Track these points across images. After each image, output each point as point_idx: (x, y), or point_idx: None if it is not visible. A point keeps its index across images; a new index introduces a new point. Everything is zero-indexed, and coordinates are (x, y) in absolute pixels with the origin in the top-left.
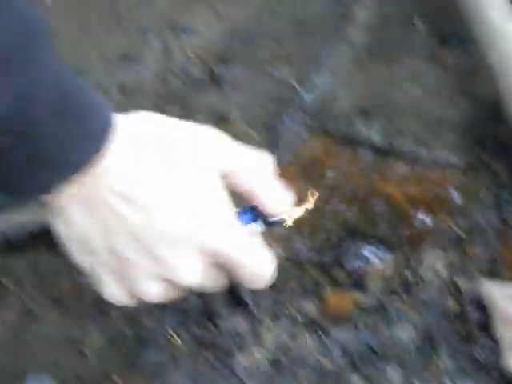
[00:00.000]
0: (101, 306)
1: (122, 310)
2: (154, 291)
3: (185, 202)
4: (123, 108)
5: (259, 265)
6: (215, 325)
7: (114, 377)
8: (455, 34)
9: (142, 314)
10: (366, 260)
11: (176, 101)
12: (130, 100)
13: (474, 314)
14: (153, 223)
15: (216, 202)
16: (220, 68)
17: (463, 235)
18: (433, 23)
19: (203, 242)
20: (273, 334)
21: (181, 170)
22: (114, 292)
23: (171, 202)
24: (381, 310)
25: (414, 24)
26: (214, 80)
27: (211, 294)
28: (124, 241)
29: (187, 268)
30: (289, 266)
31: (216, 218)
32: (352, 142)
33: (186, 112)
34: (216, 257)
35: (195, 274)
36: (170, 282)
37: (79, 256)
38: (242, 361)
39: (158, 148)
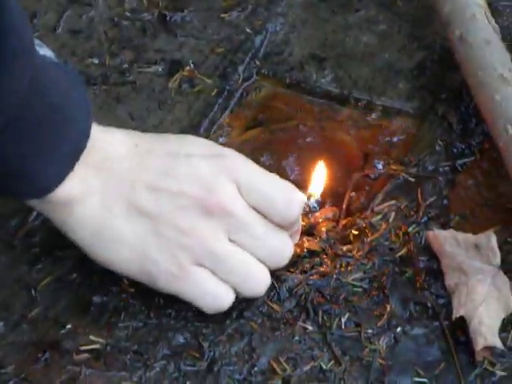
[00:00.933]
0: (52, 249)
1: (74, 253)
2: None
3: None
4: (74, 53)
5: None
6: None
7: (63, 320)
8: None
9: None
10: (316, 205)
11: (128, 46)
12: (82, 45)
13: (422, 260)
14: None
15: None
16: (172, 13)
17: (414, 182)
18: None
19: None
20: None
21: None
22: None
23: None
24: (330, 254)
25: None
26: (166, 25)
27: None
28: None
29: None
30: None
31: None
32: (304, 88)
33: (138, 57)
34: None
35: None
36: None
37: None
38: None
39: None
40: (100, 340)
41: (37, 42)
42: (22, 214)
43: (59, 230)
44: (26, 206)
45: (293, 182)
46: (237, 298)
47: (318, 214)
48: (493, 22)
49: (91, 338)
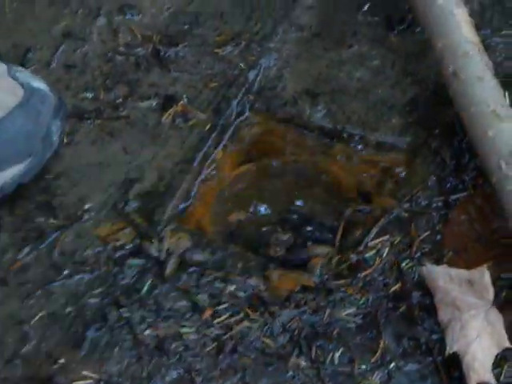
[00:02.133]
0: (45, 284)
1: (67, 288)
2: None
3: None
4: (69, 87)
5: None
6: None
7: (56, 355)
8: (401, 17)
9: (85, 291)
10: (311, 241)
11: (122, 80)
12: (76, 79)
13: (416, 296)
14: None
15: None
16: (166, 48)
17: (407, 217)
18: (379, 6)
19: None
20: (216, 313)
21: None
22: None
23: None
24: (324, 290)
25: (361, 8)
26: (160, 60)
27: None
28: None
29: None
30: (234, 245)
31: None
32: (297, 123)
33: (132, 92)
34: None
35: None
36: None
37: None
38: (185, 340)
39: None
40: (93, 375)
41: (30, 74)
42: (14, 249)
43: None
44: (19, 240)
45: (284, 216)
46: (230, 333)
47: (311, 249)
48: (486, 58)
49: (84, 373)
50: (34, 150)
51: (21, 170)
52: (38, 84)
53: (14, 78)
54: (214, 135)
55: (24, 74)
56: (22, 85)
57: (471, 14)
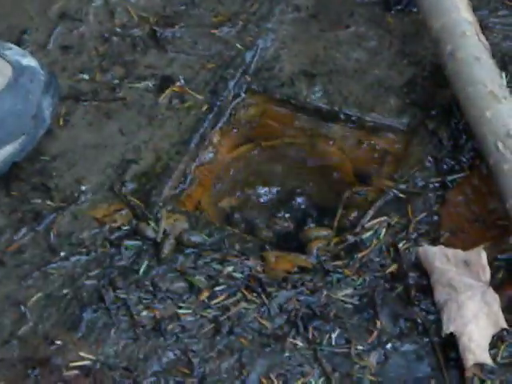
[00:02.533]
0: (42, 265)
1: (64, 270)
2: None
3: None
4: (65, 68)
5: None
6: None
7: (53, 336)
8: None
9: (81, 273)
10: (308, 223)
11: (118, 62)
12: (73, 61)
13: (412, 277)
14: None
15: None
16: (162, 28)
17: (404, 198)
18: None
19: None
20: (213, 294)
21: None
22: None
23: None
24: (321, 271)
25: None
26: (157, 41)
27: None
28: None
29: None
30: (232, 226)
31: None
32: (294, 104)
33: (129, 73)
34: None
35: None
36: None
37: None
38: (182, 321)
39: None
40: (89, 356)
41: (20, 51)
42: (11, 231)
43: None
44: (16, 222)
45: (282, 199)
46: (227, 314)
47: (308, 230)
48: (483, 38)
49: (81, 354)
50: (25, 128)
51: (16, 149)
52: (28, 61)
53: (3, 57)
54: (210, 116)
55: (13, 52)
56: (11, 63)
57: None
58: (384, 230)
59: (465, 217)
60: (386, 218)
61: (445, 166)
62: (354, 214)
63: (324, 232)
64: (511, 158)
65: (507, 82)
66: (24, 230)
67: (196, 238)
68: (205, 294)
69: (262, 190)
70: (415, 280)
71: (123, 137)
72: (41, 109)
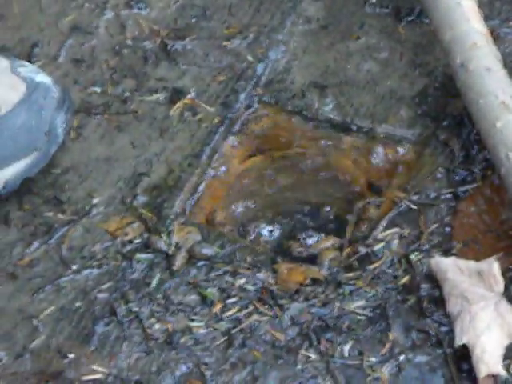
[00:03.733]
0: (54, 278)
1: (76, 283)
2: None
3: None
4: (77, 81)
5: None
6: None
7: (66, 349)
8: (409, 8)
9: (93, 286)
10: (320, 234)
11: (130, 74)
12: (84, 74)
13: (425, 288)
14: None
15: None
16: (173, 41)
17: (416, 209)
18: None
19: None
20: (225, 306)
21: None
22: None
23: None
24: (333, 283)
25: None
26: (168, 53)
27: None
28: None
29: None
30: (243, 239)
31: None
32: (306, 115)
33: (140, 85)
34: None
35: None
36: None
37: None
38: (195, 334)
39: None
40: (102, 370)
41: (33, 68)
42: (23, 244)
43: None
44: (28, 235)
45: (295, 210)
46: (240, 326)
47: (321, 242)
48: (494, 49)
49: (94, 367)
50: (38, 144)
51: (28, 165)
52: (41, 78)
53: (16, 74)
54: (222, 129)
55: (27, 69)
56: (25, 79)
57: (480, 5)
58: (396, 241)
59: (477, 227)
60: (398, 229)
61: (456, 177)
62: (366, 225)
63: (335, 242)
64: None
65: None
66: (36, 244)
67: (208, 251)
68: (217, 307)
69: (274, 202)
70: (428, 291)
71: (135, 150)
72: (54, 125)
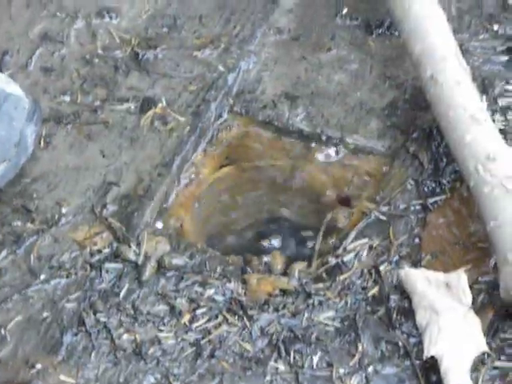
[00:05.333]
0: (22, 288)
1: (44, 293)
2: None
3: None
4: (46, 90)
5: None
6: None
7: (33, 359)
8: (379, 21)
9: (62, 296)
10: (290, 244)
11: (100, 83)
12: (54, 83)
13: (394, 299)
14: None
15: None
16: (144, 50)
17: (385, 221)
18: (358, 10)
19: None
20: (194, 317)
21: None
22: None
23: None
24: (303, 293)
25: (340, 11)
26: (139, 63)
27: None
28: None
29: None
30: (214, 249)
31: None
32: (276, 126)
33: (111, 95)
34: None
35: None
36: None
37: None
38: (163, 344)
39: None
40: (70, 380)
41: (4, 79)
42: None
43: None
44: None
45: (264, 220)
46: (209, 337)
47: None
48: (463, 62)
49: (61, 378)
50: (7, 155)
51: None
52: (12, 89)
53: None
54: (193, 138)
55: None
56: None
57: (449, 19)
58: (365, 252)
59: (446, 239)
60: (367, 240)
61: (426, 189)
62: (335, 236)
63: (305, 253)
64: (491, 180)
65: (487, 106)
66: (4, 253)
67: (177, 261)
68: (186, 317)
69: (244, 212)
70: (397, 303)
71: (104, 159)
72: (24, 136)
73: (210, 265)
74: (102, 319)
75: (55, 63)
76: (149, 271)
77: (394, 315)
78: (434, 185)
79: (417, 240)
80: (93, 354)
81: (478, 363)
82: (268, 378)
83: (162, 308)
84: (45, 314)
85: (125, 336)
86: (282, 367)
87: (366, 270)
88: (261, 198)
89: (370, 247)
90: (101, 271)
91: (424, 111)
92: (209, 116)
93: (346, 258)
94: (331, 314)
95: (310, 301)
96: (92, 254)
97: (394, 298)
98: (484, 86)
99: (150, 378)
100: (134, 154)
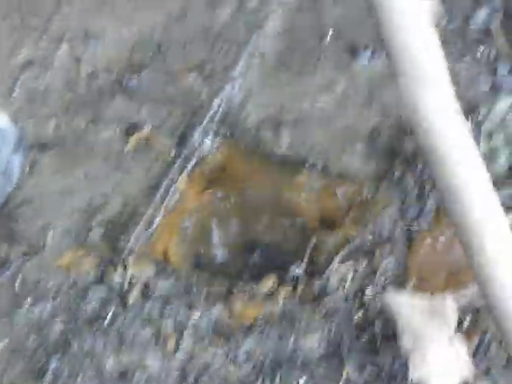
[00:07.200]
0: (7, 313)
1: (29, 318)
2: None
3: None
4: (31, 116)
5: None
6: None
7: None
8: (365, 45)
9: (47, 320)
10: (275, 269)
11: (85, 109)
12: (38, 108)
13: (379, 323)
14: None
15: None
16: (129, 75)
17: (371, 245)
18: (343, 33)
19: None
20: (180, 341)
21: None
22: None
23: None
24: (288, 317)
25: (325, 35)
26: (123, 88)
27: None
28: None
29: None
30: (199, 273)
31: None
32: (260, 152)
33: (96, 121)
34: None
35: None
36: None
37: None
38: (149, 368)
39: None
40: None
41: None
42: None
43: None
44: None
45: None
46: (194, 361)
47: (275, 277)
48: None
49: None
50: None
51: None
52: None
53: None
54: (177, 163)
55: None
56: None
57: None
58: (350, 276)
59: (431, 264)
60: (352, 263)
61: (411, 213)
62: (320, 260)
63: (290, 278)
64: None
65: (471, 130)
66: None
67: (163, 285)
68: (171, 342)
69: (228, 237)
70: (382, 327)
71: (90, 183)
72: (10, 166)
73: (196, 288)
74: (88, 343)
75: (40, 89)
76: (134, 295)
77: (379, 340)
78: (418, 209)
79: (402, 264)
80: (78, 379)
81: None
82: None
83: (147, 332)
84: (30, 339)
85: (110, 360)
86: None
87: (351, 294)
88: (245, 221)
89: (356, 271)
90: (86, 295)
91: (409, 135)
92: (193, 141)
93: (330, 282)
94: (316, 338)
95: (295, 325)
96: (78, 278)
97: (378, 322)
98: (468, 111)
99: None
100: (119, 179)
